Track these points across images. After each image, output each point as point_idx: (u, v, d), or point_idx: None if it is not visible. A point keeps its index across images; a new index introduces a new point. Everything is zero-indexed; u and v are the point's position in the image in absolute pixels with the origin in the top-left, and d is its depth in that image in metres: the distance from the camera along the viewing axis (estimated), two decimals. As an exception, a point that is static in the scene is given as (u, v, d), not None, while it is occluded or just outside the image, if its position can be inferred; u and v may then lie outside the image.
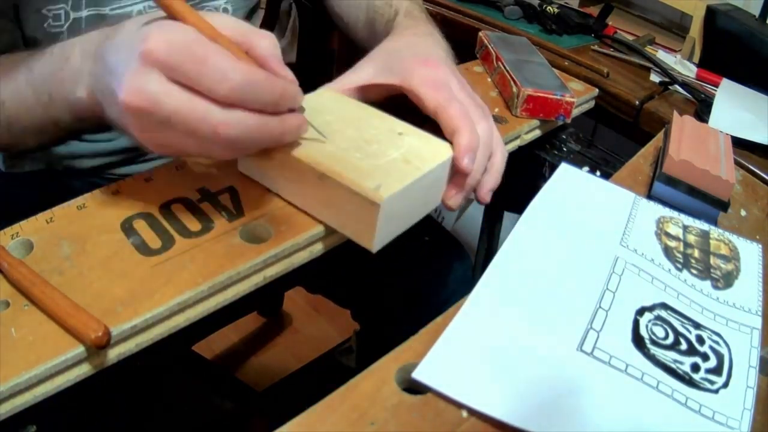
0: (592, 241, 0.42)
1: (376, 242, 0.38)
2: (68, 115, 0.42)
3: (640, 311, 0.37)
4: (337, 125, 0.42)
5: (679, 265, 0.42)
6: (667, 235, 0.44)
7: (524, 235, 0.41)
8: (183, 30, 0.33)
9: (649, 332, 0.36)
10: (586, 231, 0.43)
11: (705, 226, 0.48)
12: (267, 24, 0.89)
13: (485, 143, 0.45)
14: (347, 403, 0.31)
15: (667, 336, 0.36)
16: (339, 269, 0.69)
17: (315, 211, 0.40)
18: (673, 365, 0.35)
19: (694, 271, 0.42)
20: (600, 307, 0.36)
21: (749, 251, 0.47)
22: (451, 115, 0.43)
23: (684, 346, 0.36)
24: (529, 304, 0.36)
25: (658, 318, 0.37)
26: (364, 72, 0.49)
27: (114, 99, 0.34)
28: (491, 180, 0.47)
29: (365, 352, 0.95)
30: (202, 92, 0.33)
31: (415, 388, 0.33)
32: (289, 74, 0.36)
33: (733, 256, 0.46)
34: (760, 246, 0.48)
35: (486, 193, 0.48)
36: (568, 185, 0.47)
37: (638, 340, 0.36)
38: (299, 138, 0.39)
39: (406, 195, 0.39)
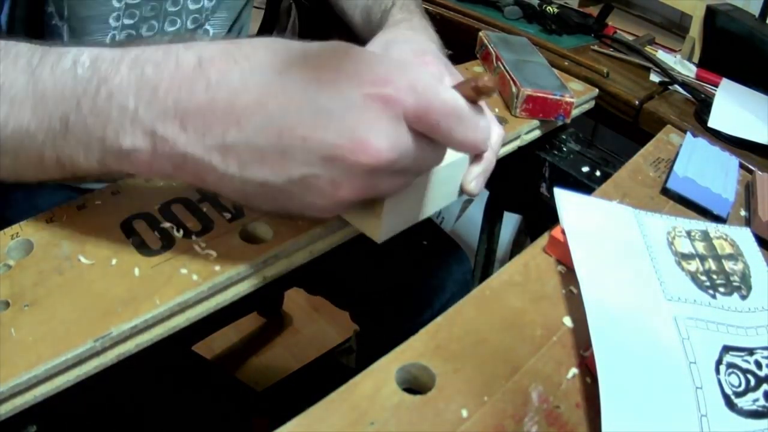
0: (640, 294, 0.42)
1: (382, 234, 0.38)
2: (96, 161, 0.31)
3: (717, 369, 0.38)
4: None
5: (711, 291, 0.43)
6: (684, 257, 0.45)
7: (597, 300, 0.40)
8: (416, 78, 0.29)
9: (730, 387, 0.36)
10: (626, 278, 0.43)
11: (702, 225, 0.48)
12: (267, 24, 0.89)
13: (497, 151, 0.45)
14: (347, 403, 0.31)
15: (740, 382, 0.37)
16: (338, 271, 0.70)
17: None
18: (754, 407, 0.36)
19: (722, 290, 0.43)
20: (696, 386, 0.36)
21: (744, 239, 0.48)
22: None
23: (753, 381, 0.37)
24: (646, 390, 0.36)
25: (729, 366, 0.38)
26: None
27: (336, 158, 0.28)
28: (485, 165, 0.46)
29: (365, 353, 0.95)
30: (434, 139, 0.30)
31: (415, 388, 0.33)
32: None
33: (737, 252, 0.47)
34: (749, 229, 0.49)
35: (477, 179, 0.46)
36: (578, 214, 0.47)
37: (729, 402, 0.36)
38: None
39: (415, 189, 0.38)
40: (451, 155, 0.40)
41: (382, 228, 0.38)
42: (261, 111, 0.28)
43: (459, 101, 0.30)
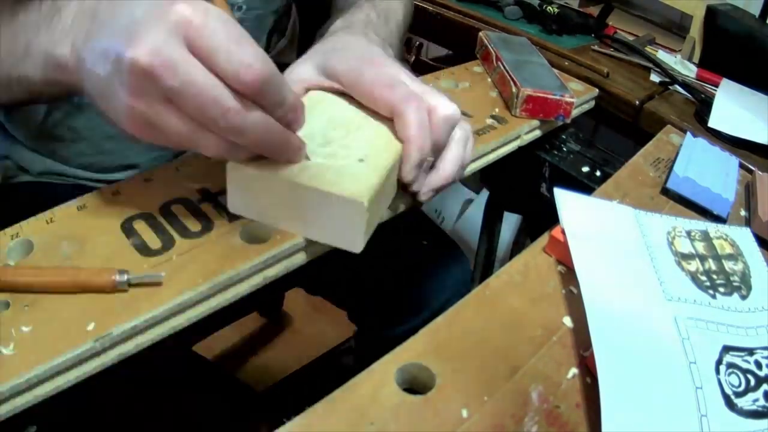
0: (640, 294, 0.42)
1: (362, 242, 0.38)
2: (40, 73, 0.38)
3: (717, 369, 0.38)
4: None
5: (711, 291, 0.43)
6: (684, 257, 0.45)
7: (596, 300, 0.39)
8: (217, 10, 0.32)
9: (730, 387, 0.36)
10: (626, 278, 0.43)
11: (702, 225, 0.48)
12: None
13: (446, 131, 0.42)
14: (347, 403, 0.31)
15: (740, 382, 0.37)
16: (338, 271, 0.69)
17: (299, 228, 0.39)
18: (754, 407, 0.36)
19: (722, 290, 0.43)
20: (696, 386, 0.36)
21: (744, 239, 0.48)
22: (407, 122, 0.40)
23: (752, 381, 0.37)
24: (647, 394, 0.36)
25: (729, 366, 0.38)
26: (300, 70, 0.46)
27: (114, 55, 0.31)
28: (436, 180, 0.44)
29: (364, 354, 0.95)
30: (221, 75, 0.31)
31: (415, 388, 0.33)
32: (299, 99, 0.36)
33: (737, 252, 0.47)
34: (749, 229, 0.49)
35: (425, 193, 0.43)
36: (579, 215, 0.47)
37: (729, 402, 0.36)
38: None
39: (380, 190, 0.38)
40: (393, 150, 0.40)
41: (364, 237, 0.37)
42: (111, 22, 0.33)
43: (245, 38, 0.32)
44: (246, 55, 0.31)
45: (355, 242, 0.37)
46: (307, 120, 0.38)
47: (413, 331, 0.35)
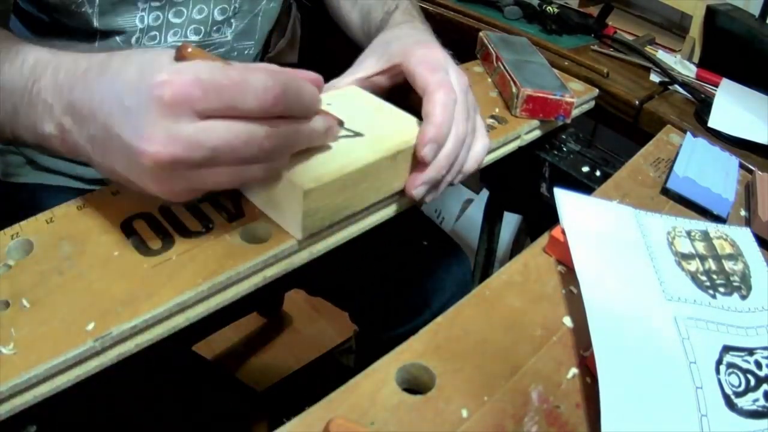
0: (640, 294, 0.42)
1: (301, 230, 0.38)
2: (31, 139, 0.38)
3: (717, 369, 0.38)
4: None
5: (711, 291, 0.43)
6: (684, 257, 0.45)
7: (597, 298, 0.40)
8: (202, 64, 0.32)
9: (730, 387, 0.36)
10: (626, 278, 0.43)
11: (702, 225, 0.48)
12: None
13: (456, 143, 0.43)
14: (347, 403, 0.31)
15: (740, 382, 0.37)
16: (338, 272, 0.70)
17: (260, 202, 0.40)
18: (754, 407, 0.36)
19: (722, 290, 0.43)
20: (696, 386, 0.36)
21: (744, 239, 0.48)
22: (434, 101, 0.42)
23: (753, 381, 0.37)
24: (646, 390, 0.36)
25: (729, 366, 0.38)
26: (367, 64, 0.49)
27: (128, 154, 0.32)
28: (469, 163, 0.46)
29: (365, 353, 0.95)
30: (237, 116, 0.32)
31: (415, 388, 0.33)
32: (311, 73, 0.36)
33: (737, 252, 0.47)
34: (749, 229, 0.49)
35: (455, 173, 0.45)
36: (579, 215, 0.47)
37: (729, 402, 0.36)
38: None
39: (343, 186, 0.38)
40: (374, 150, 0.40)
41: (302, 224, 0.37)
42: (99, 111, 0.33)
43: (244, 71, 0.31)
44: (254, 86, 0.31)
45: (295, 228, 0.38)
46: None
47: (413, 331, 0.35)
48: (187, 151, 0.31)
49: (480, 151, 0.47)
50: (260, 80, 0.32)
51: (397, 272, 0.72)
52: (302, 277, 0.53)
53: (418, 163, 0.42)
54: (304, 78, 0.35)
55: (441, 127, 0.41)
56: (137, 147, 0.31)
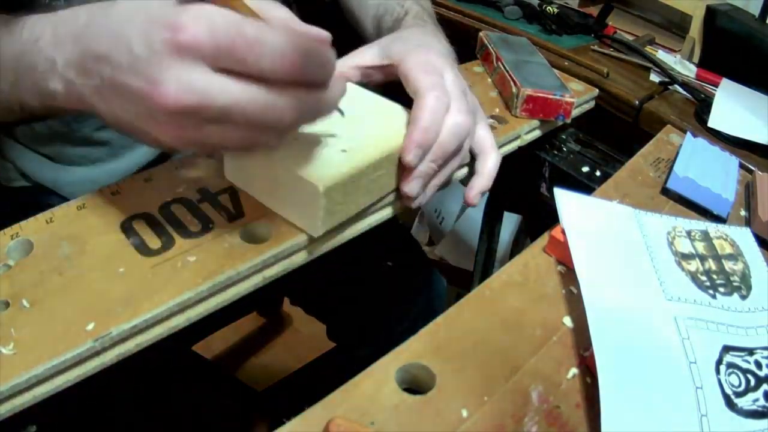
0: (640, 294, 0.42)
1: (320, 227, 0.38)
2: (37, 103, 0.37)
3: (717, 369, 0.38)
4: None
5: (711, 291, 0.43)
6: (684, 257, 0.45)
7: (597, 298, 0.39)
8: (218, 11, 0.29)
9: (730, 387, 0.36)
10: (626, 278, 0.43)
11: (702, 225, 0.48)
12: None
13: (449, 138, 0.42)
14: (347, 403, 0.31)
15: (740, 382, 0.37)
16: (313, 285, 0.70)
17: (272, 204, 0.40)
18: (754, 407, 0.36)
19: (722, 290, 0.43)
20: (696, 386, 0.36)
21: (744, 239, 0.48)
22: (421, 105, 0.41)
23: (753, 381, 0.37)
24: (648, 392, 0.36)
25: (729, 366, 0.38)
26: (367, 54, 0.50)
27: (136, 100, 0.30)
28: (482, 182, 0.48)
29: (335, 373, 0.95)
30: (254, 76, 0.30)
31: (415, 388, 0.33)
32: (322, 32, 0.33)
33: (737, 252, 0.47)
34: (749, 229, 0.49)
35: (474, 195, 0.48)
36: (579, 215, 0.47)
37: (729, 402, 0.36)
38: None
39: (352, 182, 0.39)
40: (380, 147, 0.41)
41: (321, 221, 0.38)
42: (105, 60, 0.32)
43: (261, 30, 0.29)
44: (273, 50, 0.29)
45: (313, 226, 0.38)
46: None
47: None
48: (197, 103, 0.29)
49: (492, 168, 0.48)
50: (277, 43, 0.29)
51: (365, 291, 0.72)
52: (285, 285, 0.52)
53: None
54: (318, 38, 0.33)
55: (427, 131, 0.41)
56: (147, 92, 0.29)
